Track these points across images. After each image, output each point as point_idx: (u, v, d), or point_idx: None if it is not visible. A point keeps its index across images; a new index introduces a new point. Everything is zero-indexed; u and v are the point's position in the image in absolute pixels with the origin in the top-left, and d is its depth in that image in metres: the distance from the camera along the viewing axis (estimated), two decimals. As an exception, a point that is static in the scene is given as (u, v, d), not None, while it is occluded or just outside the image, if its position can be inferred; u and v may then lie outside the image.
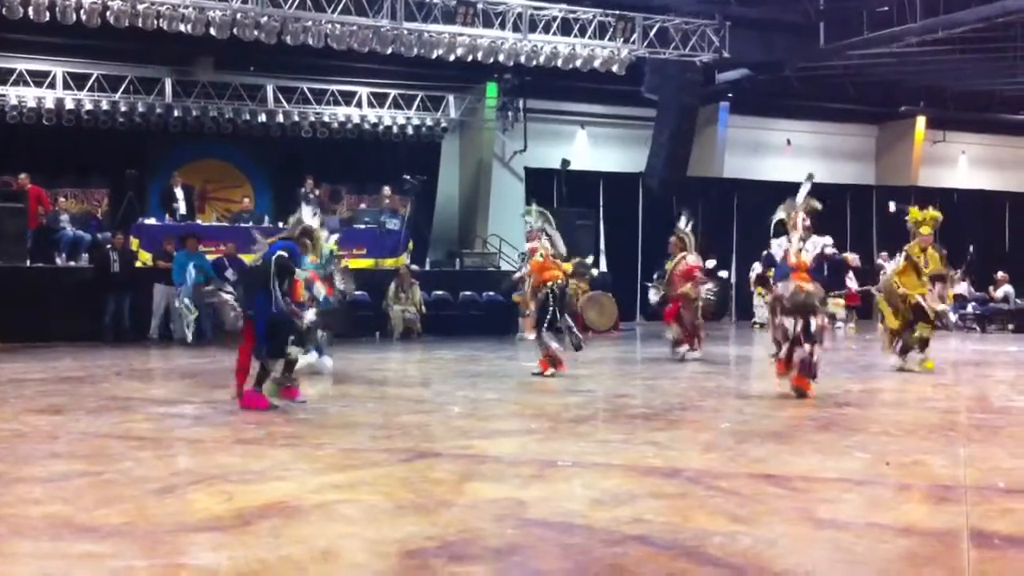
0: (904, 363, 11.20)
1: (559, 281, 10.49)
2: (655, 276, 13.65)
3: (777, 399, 8.74)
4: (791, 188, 9.37)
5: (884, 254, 22.70)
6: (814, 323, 8.53)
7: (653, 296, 13.43)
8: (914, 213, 11.48)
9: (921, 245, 11.25)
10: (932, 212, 11.48)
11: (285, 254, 7.59)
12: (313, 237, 8.38)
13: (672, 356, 12.67)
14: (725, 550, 3.80)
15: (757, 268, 21.19)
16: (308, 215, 8.35)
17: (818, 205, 9.03)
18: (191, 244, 16.02)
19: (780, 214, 9.01)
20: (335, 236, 10.68)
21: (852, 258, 17.35)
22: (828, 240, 9.74)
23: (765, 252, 9.36)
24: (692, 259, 12.79)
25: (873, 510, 4.56)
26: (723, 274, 14.34)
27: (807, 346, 8.51)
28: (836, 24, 19.97)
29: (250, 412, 7.54)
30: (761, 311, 21.43)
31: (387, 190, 20.27)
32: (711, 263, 14.28)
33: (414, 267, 18.46)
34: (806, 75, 22.79)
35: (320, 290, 8.70)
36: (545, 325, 10.47)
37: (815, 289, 8.64)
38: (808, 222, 8.89)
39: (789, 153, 26.14)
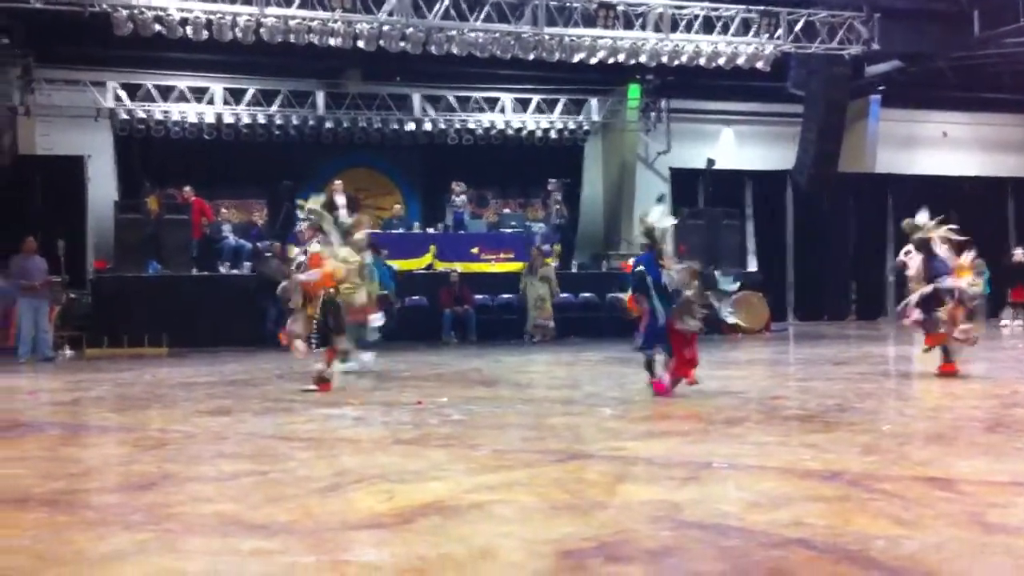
0: None
1: (330, 289, 9.11)
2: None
3: (939, 400, 8.45)
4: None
5: None
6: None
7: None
8: None
9: None
10: None
11: (642, 268, 8.50)
12: (654, 236, 8.62)
13: None
14: (889, 554, 3.70)
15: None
16: (656, 215, 8.72)
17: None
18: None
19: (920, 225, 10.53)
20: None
21: None
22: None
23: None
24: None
25: (1047, 515, 4.36)
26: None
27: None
28: (991, 11, 19.17)
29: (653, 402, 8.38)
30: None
31: (558, 196, 20.24)
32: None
33: (553, 264, 18.55)
34: (961, 65, 21.90)
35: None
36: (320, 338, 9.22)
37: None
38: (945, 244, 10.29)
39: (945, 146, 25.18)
